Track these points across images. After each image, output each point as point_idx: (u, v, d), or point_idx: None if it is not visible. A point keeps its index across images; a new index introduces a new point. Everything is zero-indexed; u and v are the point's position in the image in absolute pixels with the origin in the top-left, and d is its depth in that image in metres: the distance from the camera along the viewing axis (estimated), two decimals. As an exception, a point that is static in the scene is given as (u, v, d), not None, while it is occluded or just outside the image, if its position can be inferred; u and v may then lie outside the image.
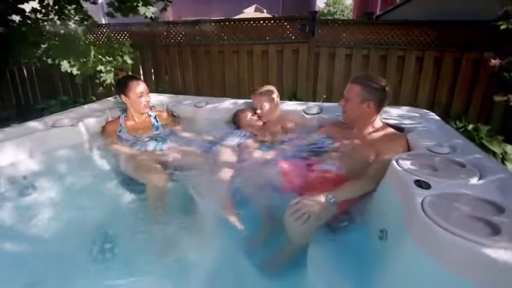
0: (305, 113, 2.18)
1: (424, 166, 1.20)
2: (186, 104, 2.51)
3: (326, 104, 2.29)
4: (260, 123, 2.18)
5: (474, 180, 1.09)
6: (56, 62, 3.37)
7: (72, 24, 3.62)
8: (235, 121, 2.26)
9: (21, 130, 1.87)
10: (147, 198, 1.64)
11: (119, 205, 1.72)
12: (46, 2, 3.58)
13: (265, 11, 12.81)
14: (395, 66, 3.83)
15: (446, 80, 3.69)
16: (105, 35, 4.55)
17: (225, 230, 1.36)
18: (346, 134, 1.70)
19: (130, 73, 3.64)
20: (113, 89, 3.66)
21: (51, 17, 3.62)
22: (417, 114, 1.95)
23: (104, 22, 6.74)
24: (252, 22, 4.22)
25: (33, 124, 1.96)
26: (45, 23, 3.60)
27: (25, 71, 4.96)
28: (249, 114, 2.19)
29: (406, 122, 1.81)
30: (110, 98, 2.56)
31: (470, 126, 3.11)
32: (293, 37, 4.10)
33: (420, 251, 0.90)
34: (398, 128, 1.73)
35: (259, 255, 1.39)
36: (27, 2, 3.68)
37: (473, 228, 0.83)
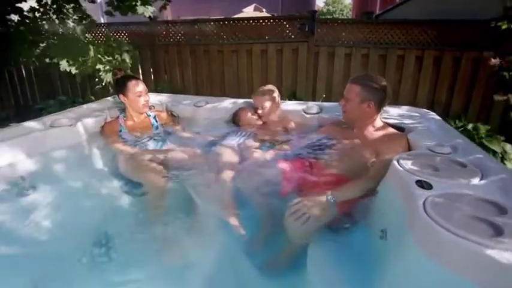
0: (305, 112, 2.18)
1: (425, 166, 1.19)
2: (185, 104, 2.50)
3: (326, 104, 2.29)
4: (260, 122, 2.17)
5: (476, 181, 1.09)
6: (55, 60, 3.35)
7: (70, 23, 3.61)
8: (235, 120, 2.25)
9: (19, 130, 1.85)
10: (146, 198, 1.63)
11: (118, 205, 1.71)
12: (44, 1, 3.57)
13: (264, 10, 12.80)
14: (394, 66, 3.83)
15: (445, 79, 3.68)
16: (104, 34, 4.54)
17: (225, 230, 1.35)
18: (346, 134, 1.69)
19: (129, 72, 3.64)
20: (110, 88, 3.66)
21: (49, 16, 3.60)
22: (417, 114, 1.95)
23: (102, 21, 6.71)
24: (251, 21, 4.21)
25: (31, 124, 1.95)
26: (44, 22, 3.58)
27: (24, 71, 4.94)
28: (249, 114, 2.18)
29: (407, 122, 1.81)
30: (108, 98, 2.55)
31: (470, 126, 3.11)
32: (292, 36, 4.09)
33: (422, 251, 0.89)
34: (399, 128, 1.72)
35: (259, 255, 1.39)
36: (25, 1, 3.66)
37: (475, 229, 0.82)
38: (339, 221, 1.39)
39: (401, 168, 1.18)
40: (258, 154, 1.78)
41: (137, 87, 2.00)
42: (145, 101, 2.04)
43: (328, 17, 21.34)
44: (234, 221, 1.35)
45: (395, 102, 2.62)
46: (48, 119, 2.03)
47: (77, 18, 3.68)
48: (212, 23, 4.30)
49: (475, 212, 0.90)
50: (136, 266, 1.30)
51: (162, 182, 1.64)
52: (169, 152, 1.92)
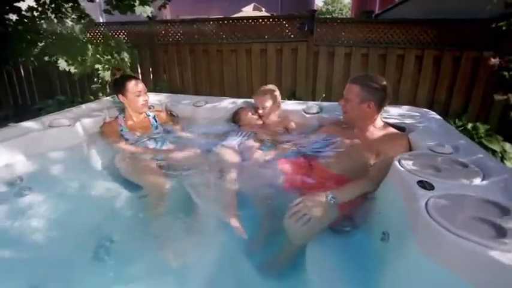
0: (305, 112, 2.17)
1: (427, 166, 1.18)
2: (185, 104, 2.49)
3: (326, 104, 2.28)
4: (261, 122, 2.17)
5: (478, 181, 1.08)
6: (53, 59, 3.34)
7: (69, 23, 3.59)
8: (236, 120, 2.24)
9: (18, 130, 1.84)
10: (146, 198, 1.62)
11: (117, 205, 1.69)
12: (43, 0, 3.55)
13: (263, 9, 12.78)
14: (394, 65, 3.82)
15: (445, 78, 3.68)
16: (102, 33, 4.52)
17: (225, 230, 1.34)
18: (346, 134, 1.68)
19: (128, 72, 3.63)
20: (108, 87, 3.64)
21: (48, 15, 3.58)
22: (418, 114, 1.94)
23: (101, 21, 6.70)
24: (250, 21, 4.19)
25: (29, 124, 1.93)
26: (42, 21, 3.57)
27: (22, 71, 4.92)
28: (250, 113, 2.18)
29: (407, 122, 1.80)
30: (107, 98, 2.54)
31: (470, 125, 3.11)
32: (292, 36, 4.08)
33: (424, 252, 0.88)
34: (400, 128, 1.72)
35: (259, 255, 1.38)
36: (24, 0, 3.64)
37: (479, 231, 0.81)
38: (340, 225, 1.38)
39: (402, 169, 1.17)
40: (258, 154, 1.77)
41: (136, 86, 1.99)
42: (144, 100, 2.03)
43: (328, 16, 21.34)
44: (235, 223, 1.35)
45: (395, 102, 2.61)
46: (47, 119, 2.02)
47: (75, 17, 3.67)
48: (211, 23, 4.29)
49: (478, 213, 0.89)
50: (136, 266, 1.29)
51: (162, 182, 1.63)
52: (169, 152, 1.91)
